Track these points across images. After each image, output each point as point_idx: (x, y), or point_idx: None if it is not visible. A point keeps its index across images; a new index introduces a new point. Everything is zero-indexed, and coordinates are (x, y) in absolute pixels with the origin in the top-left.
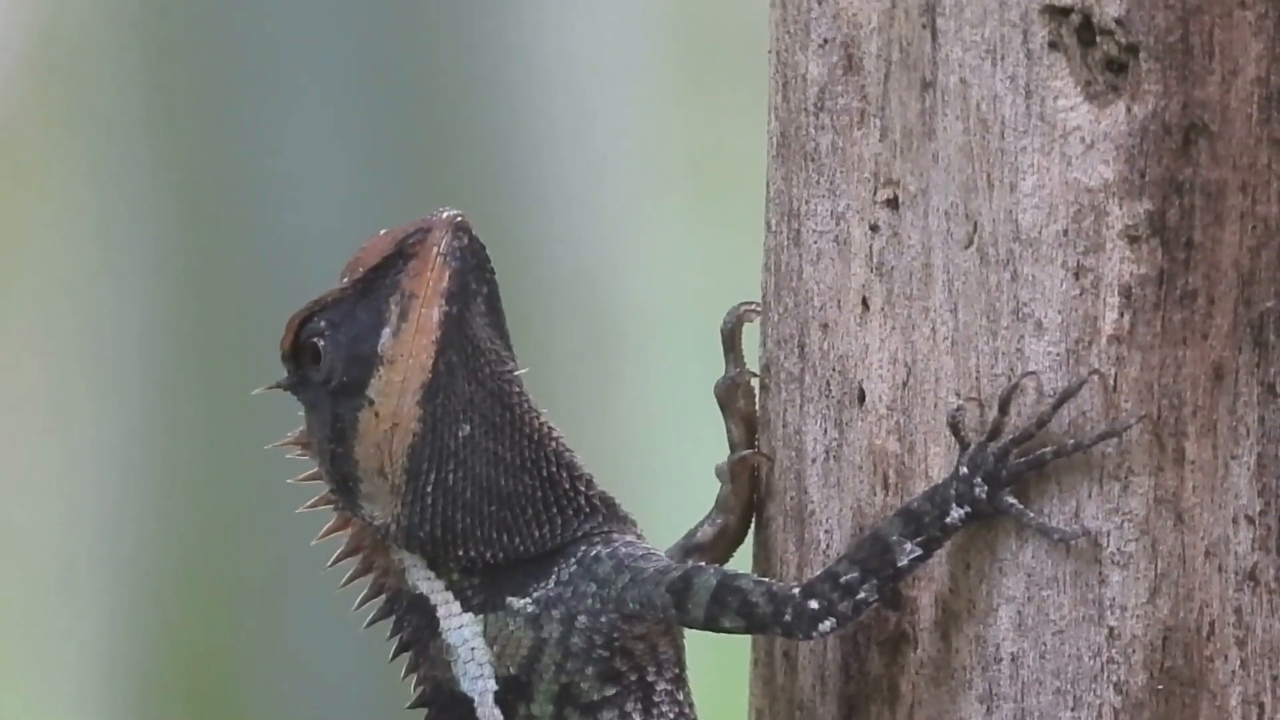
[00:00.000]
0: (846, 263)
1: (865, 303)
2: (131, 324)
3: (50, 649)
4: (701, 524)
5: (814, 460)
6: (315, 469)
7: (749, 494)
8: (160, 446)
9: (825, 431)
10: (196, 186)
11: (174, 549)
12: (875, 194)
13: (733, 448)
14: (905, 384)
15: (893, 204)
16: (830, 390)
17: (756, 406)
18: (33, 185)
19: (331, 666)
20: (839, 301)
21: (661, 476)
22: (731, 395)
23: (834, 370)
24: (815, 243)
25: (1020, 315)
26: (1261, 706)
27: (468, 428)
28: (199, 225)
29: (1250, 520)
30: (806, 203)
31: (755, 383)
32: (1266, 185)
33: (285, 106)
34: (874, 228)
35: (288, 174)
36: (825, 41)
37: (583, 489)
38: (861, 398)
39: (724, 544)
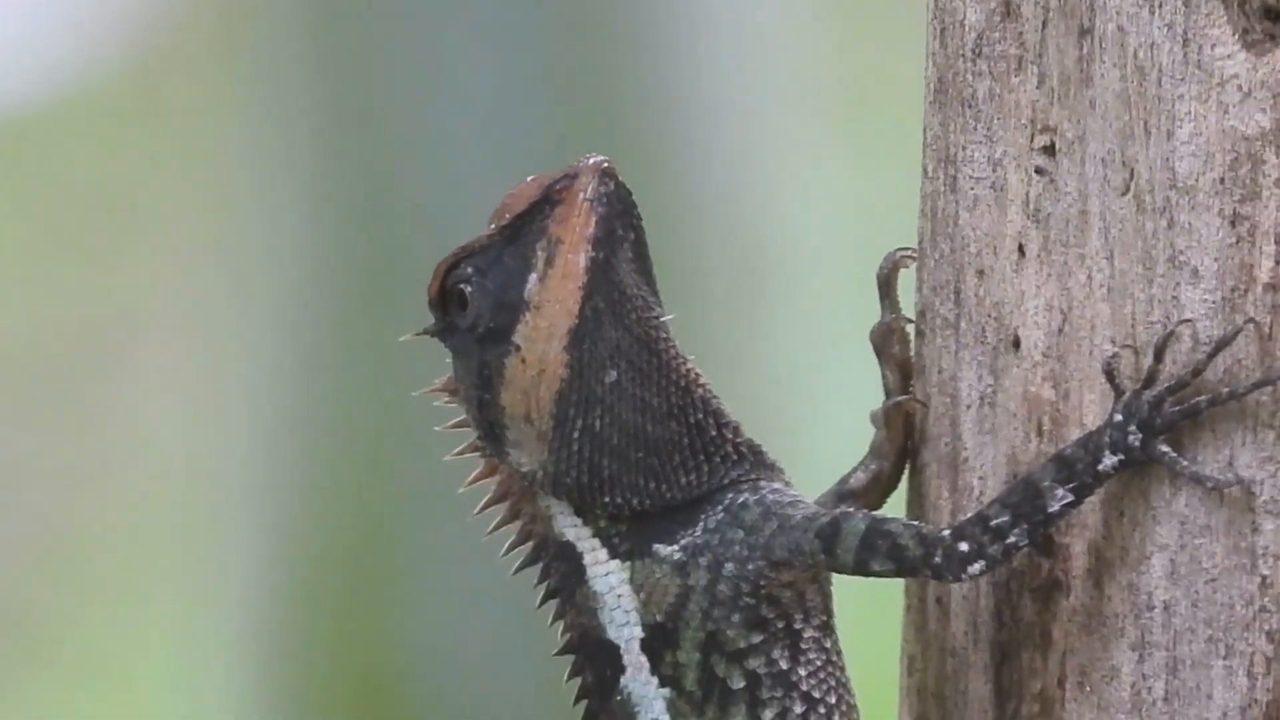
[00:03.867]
0: (1003, 209)
1: (1021, 249)
2: (280, 264)
3: (197, 580)
4: (855, 470)
5: (969, 407)
6: (463, 416)
7: (903, 440)
8: (309, 389)
9: (980, 378)
10: (350, 125)
11: (320, 489)
12: (1032, 141)
13: (888, 393)
14: (1061, 331)
15: (1049, 151)
16: (985, 337)
17: (911, 352)
18: (184, 120)
19: (476, 612)
20: (995, 248)
21: (814, 422)
22: (887, 341)
23: (989, 317)
24: (972, 189)
25: (1176, 263)
26: None
27: (614, 374)
28: (352, 166)
29: None
30: (964, 149)
31: (910, 328)
32: None
33: (439, 36)
34: (1031, 174)
35: (442, 109)
36: None
37: (730, 436)
38: (1017, 344)
39: (877, 490)
